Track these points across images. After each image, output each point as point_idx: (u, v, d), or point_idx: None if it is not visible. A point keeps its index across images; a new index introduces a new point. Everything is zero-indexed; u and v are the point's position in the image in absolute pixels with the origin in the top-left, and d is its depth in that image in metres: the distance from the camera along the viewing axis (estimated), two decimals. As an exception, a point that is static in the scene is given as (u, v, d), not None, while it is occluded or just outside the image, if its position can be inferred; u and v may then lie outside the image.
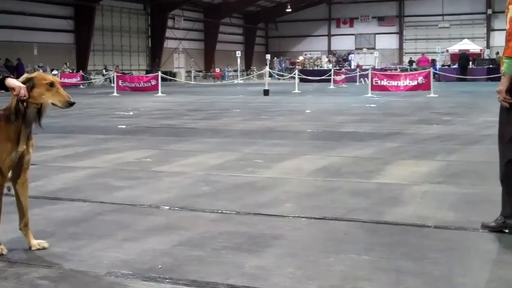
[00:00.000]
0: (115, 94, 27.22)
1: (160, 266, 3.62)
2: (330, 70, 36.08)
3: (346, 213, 4.91)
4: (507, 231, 4.25)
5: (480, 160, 7.58)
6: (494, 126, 12.02)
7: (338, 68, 42.18)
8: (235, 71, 46.27)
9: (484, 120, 12.89)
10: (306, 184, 6.18)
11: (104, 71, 42.06)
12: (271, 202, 5.38)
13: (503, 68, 4.23)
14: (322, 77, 33.93)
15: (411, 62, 48.00)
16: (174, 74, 45.57)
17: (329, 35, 58.60)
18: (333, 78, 33.32)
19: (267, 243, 4.10)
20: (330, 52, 56.26)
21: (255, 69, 48.92)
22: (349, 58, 52.47)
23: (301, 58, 49.57)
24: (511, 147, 4.23)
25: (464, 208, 5.09)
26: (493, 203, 5.24)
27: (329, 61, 48.18)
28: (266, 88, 24.73)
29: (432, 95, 22.63)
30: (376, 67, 38.34)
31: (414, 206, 5.17)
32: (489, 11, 54.32)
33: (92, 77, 39.74)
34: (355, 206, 5.15)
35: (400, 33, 57.01)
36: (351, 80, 36.91)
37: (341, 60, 52.69)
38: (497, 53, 45.87)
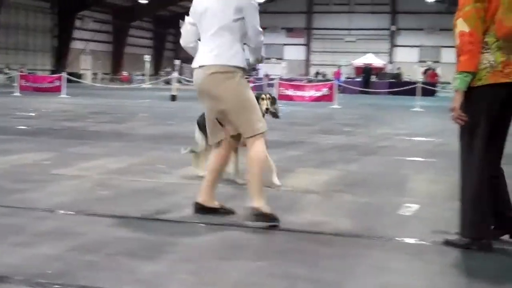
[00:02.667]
0: (17, 94, 26.30)
1: (50, 272, 3.51)
2: (238, 78, 36.19)
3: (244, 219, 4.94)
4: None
5: (376, 170, 7.84)
6: (390, 138, 12.50)
7: (246, 77, 42.42)
8: (143, 75, 45.71)
9: (382, 132, 13.35)
10: (207, 191, 6.16)
11: (6, 69, 40.51)
12: (171, 207, 5.35)
13: (455, 84, 4.14)
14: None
15: (317, 74, 49.03)
16: (80, 76, 44.51)
17: (239, 44, 58.99)
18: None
19: (163, 249, 4.07)
20: (239, 60, 56.60)
21: (163, 74, 48.50)
22: (257, 67, 52.92)
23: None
24: (475, 167, 4.17)
25: (359, 216, 5.24)
26: (385, 212, 5.44)
27: (238, 69, 48.37)
28: (174, 93, 24.58)
29: (335, 106, 23.21)
30: (283, 77, 38.84)
31: (311, 213, 5.27)
32: (393, 28, 56.37)
33: (-7, 75, 38.20)
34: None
35: (307, 44, 58.15)
36: (258, 89, 37.21)
37: (250, 69, 53.07)
38: (399, 68, 47.66)
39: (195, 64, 4.95)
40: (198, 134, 6.58)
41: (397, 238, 4.55)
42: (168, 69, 48.71)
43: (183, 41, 5.14)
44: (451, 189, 6.79)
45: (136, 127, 13.00)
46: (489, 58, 4.10)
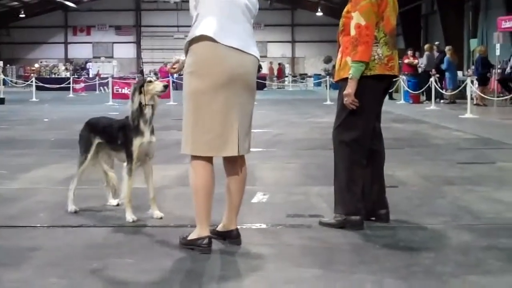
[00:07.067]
0: None
1: None
2: (68, 78, 35.15)
3: (103, 219, 4.90)
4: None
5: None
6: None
7: (76, 76, 41.21)
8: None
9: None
10: (58, 193, 5.96)
11: None
12: (22, 213, 5.14)
13: (350, 72, 4.39)
14: (61, 85, 32.90)
15: (155, 73, 48.59)
16: None
17: (66, 43, 56.96)
18: (72, 87, 32.52)
19: (24, 255, 3.93)
20: (67, 60, 54.73)
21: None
22: (87, 67, 51.52)
23: (36, 65, 47.48)
24: (356, 150, 4.50)
25: (214, 207, 5.34)
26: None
27: (66, 69, 46.86)
28: (1, 96, 23.32)
29: (171, 103, 23.28)
30: (115, 76, 38.20)
31: (169, 207, 5.29)
32: (221, 24, 57.30)
33: None
34: (112, 212, 5.14)
35: (137, 42, 57.53)
36: (90, 88, 36.35)
37: (79, 68, 51.52)
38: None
39: (234, 42, 3.92)
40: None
41: (256, 225, 4.74)
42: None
43: None
44: (295, 176, 7.19)
45: (-36, 134, 12.19)
46: (378, 51, 4.48)
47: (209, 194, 4.04)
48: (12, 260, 3.84)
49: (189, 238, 4.04)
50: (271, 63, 45.93)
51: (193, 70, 3.96)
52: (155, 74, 46.59)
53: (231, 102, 3.95)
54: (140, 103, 4.70)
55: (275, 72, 45.23)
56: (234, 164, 4.12)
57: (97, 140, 5.10)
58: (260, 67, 43.67)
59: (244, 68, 3.97)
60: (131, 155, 4.77)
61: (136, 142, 4.74)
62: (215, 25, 3.89)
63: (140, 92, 4.69)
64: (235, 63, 3.92)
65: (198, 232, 4.01)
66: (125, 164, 4.84)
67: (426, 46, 23.53)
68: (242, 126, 4.02)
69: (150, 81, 4.77)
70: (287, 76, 46.29)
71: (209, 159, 4.04)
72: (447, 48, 22.10)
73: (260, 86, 33.05)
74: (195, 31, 3.95)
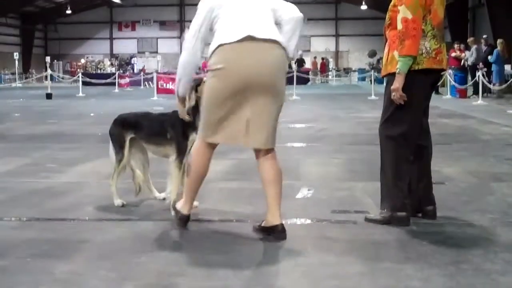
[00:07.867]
0: None
1: (-39, 279, 3.39)
2: (114, 73, 35.63)
3: (151, 213, 4.97)
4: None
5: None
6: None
7: (122, 71, 41.75)
8: (13, 74, 43.68)
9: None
10: (105, 187, 6.05)
11: None
12: (71, 206, 5.25)
13: (398, 66, 4.37)
14: (107, 81, 33.41)
15: (199, 68, 48.90)
16: None
17: (111, 38, 57.78)
18: (118, 82, 32.95)
19: (74, 248, 4.03)
20: (112, 55, 55.49)
21: (34, 72, 46.61)
22: (132, 62, 52.11)
23: (82, 61, 48.26)
24: (403, 145, 4.47)
25: (260, 202, 5.37)
26: (284, 196, 5.62)
27: (112, 64, 47.53)
28: (49, 91, 23.78)
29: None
30: (159, 71, 38.57)
31: (213, 201, 5.35)
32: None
33: None
34: (157, 206, 5.20)
35: (181, 37, 57.98)
36: (135, 83, 36.78)
37: (124, 63, 52.18)
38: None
39: (238, 33, 4.09)
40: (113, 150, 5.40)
41: (301, 220, 4.75)
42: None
43: (193, 57, 4.37)
44: (339, 171, 7.16)
45: (15, 128, 12.48)
46: (426, 44, 4.43)
47: (198, 177, 4.38)
48: (63, 252, 3.93)
49: (177, 206, 4.48)
50: (314, 57, 45.70)
51: (212, 68, 4.15)
52: (199, 68, 46.60)
53: (242, 104, 4.11)
54: (196, 101, 4.72)
55: (318, 67, 45.00)
56: (260, 156, 4.25)
57: (130, 136, 5.21)
58: (303, 61, 43.62)
59: (262, 76, 4.08)
60: (185, 149, 4.87)
61: (192, 137, 4.82)
62: (229, 29, 4.12)
63: (196, 91, 4.73)
64: (253, 66, 4.06)
65: (181, 206, 4.43)
66: (173, 158, 4.92)
67: (470, 40, 23.09)
68: (255, 122, 4.13)
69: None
70: (330, 71, 46.00)
71: (211, 146, 4.31)
72: (499, 41, 21.64)
73: (304, 81, 32.91)
74: (212, 46, 4.20)
